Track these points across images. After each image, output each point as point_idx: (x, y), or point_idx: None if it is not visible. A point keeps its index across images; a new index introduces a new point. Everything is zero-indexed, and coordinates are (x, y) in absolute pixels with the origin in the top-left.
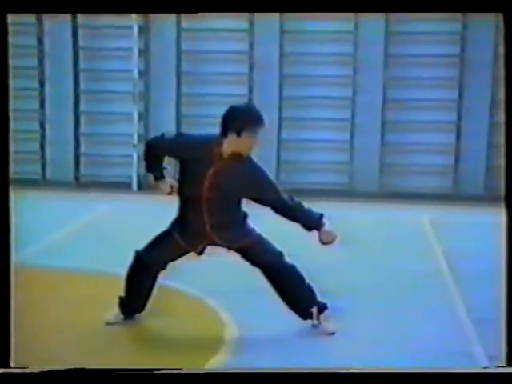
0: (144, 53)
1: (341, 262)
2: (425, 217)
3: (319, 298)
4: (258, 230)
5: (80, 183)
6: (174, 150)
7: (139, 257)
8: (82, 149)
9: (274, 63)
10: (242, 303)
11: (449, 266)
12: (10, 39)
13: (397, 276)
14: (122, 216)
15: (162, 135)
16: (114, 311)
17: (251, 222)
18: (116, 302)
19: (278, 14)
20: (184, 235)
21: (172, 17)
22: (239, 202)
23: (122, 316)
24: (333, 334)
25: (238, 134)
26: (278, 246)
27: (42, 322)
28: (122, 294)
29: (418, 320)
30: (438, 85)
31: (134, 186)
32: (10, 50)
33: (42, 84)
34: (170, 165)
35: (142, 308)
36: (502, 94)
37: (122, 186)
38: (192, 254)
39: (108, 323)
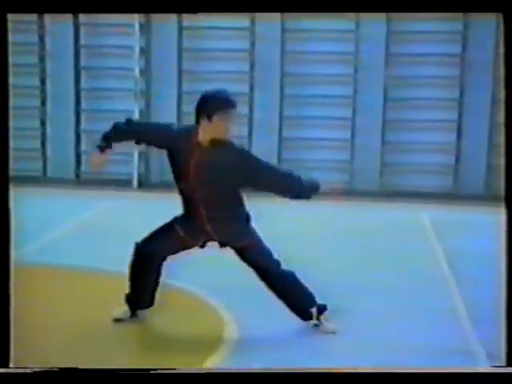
0: (145, 51)
1: (340, 261)
2: (425, 216)
3: (318, 300)
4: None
5: (81, 180)
6: (146, 135)
7: (139, 248)
8: (83, 146)
9: (275, 62)
10: (243, 302)
11: (449, 265)
12: (11, 37)
13: (397, 275)
14: (122, 213)
15: (130, 120)
16: (121, 308)
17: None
18: (117, 299)
19: (279, 13)
20: (185, 227)
21: (173, 15)
22: (240, 199)
23: (129, 312)
24: (333, 333)
25: (209, 119)
26: (279, 247)
27: (42, 322)
28: (127, 290)
29: (418, 319)
30: (438, 84)
31: (135, 183)
32: (11, 48)
33: (43, 82)
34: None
35: (150, 302)
36: (502, 94)
37: (123, 183)
38: (194, 251)
39: (116, 320)
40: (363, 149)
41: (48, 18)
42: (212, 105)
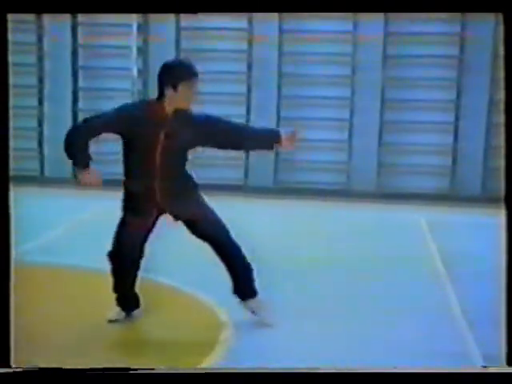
0: (143, 51)
1: (337, 261)
2: (422, 217)
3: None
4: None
5: (78, 180)
6: (114, 124)
7: (110, 256)
8: None
9: (273, 62)
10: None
11: (445, 266)
12: (10, 36)
13: (393, 276)
14: (119, 213)
15: (85, 119)
16: (114, 309)
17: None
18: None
19: (277, 14)
20: (135, 212)
21: (171, 15)
22: (186, 167)
23: (123, 313)
24: (269, 326)
25: (175, 88)
26: (276, 247)
27: (42, 322)
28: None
29: (414, 320)
30: (436, 85)
31: None
32: (10, 47)
33: (40, 81)
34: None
35: (136, 301)
36: (500, 95)
37: (120, 183)
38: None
39: (110, 321)
40: (360, 150)
41: (46, 18)
42: (176, 74)
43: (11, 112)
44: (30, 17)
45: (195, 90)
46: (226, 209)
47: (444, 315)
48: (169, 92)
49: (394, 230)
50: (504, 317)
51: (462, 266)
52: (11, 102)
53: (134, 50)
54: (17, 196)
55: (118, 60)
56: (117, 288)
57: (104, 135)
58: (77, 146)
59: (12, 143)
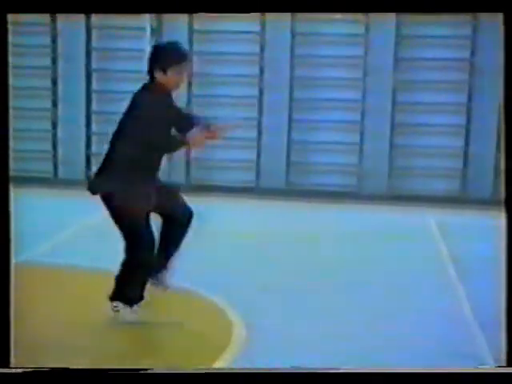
0: None
1: (348, 263)
2: (432, 220)
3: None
4: None
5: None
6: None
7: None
8: (94, 148)
9: (285, 65)
10: (250, 302)
11: (455, 269)
12: (25, 39)
13: (404, 278)
14: None
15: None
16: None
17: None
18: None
19: (289, 17)
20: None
21: (184, 18)
22: None
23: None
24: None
25: (165, 72)
26: (287, 249)
27: (42, 322)
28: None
29: (423, 322)
30: (447, 88)
31: None
32: (24, 50)
33: (54, 83)
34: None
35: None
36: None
37: None
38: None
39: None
40: (371, 152)
41: (60, 21)
42: (166, 58)
43: (24, 114)
44: (45, 19)
45: (186, 74)
46: (238, 210)
47: (455, 317)
48: (159, 75)
49: (405, 233)
50: (504, 317)
51: (472, 268)
52: (25, 104)
53: (148, 52)
54: (30, 197)
55: (132, 62)
56: (136, 281)
57: None
58: None
59: (25, 145)
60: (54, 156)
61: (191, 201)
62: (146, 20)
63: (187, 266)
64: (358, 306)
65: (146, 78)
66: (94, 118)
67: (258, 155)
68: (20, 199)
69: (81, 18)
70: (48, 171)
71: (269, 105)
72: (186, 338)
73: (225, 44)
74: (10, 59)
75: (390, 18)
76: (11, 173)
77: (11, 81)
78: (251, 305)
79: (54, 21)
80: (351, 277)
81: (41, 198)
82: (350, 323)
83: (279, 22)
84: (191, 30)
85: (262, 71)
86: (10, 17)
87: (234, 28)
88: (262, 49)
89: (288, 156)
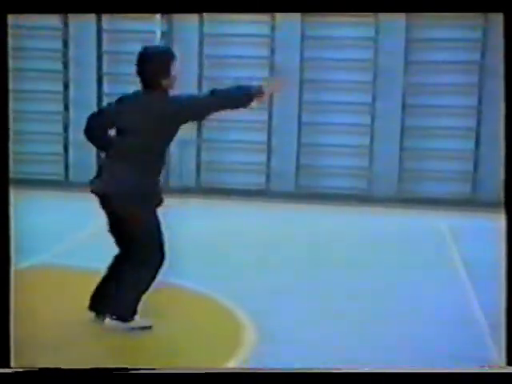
0: None
1: (358, 266)
2: (443, 222)
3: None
4: None
5: None
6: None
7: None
8: None
9: (295, 68)
10: (260, 304)
11: (467, 272)
12: (37, 43)
13: (415, 281)
14: None
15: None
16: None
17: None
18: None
19: (299, 20)
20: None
21: (194, 21)
22: None
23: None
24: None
25: (169, 75)
26: (297, 252)
27: (42, 322)
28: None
29: (436, 326)
30: (457, 91)
31: None
32: (36, 54)
33: (66, 87)
34: None
35: None
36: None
37: None
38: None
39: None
40: (382, 155)
41: (72, 24)
42: (167, 62)
43: (36, 117)
44: (57, 23)
45: (177, 72)
46: (247, 213)
47: (466, 321)
48: (166, 82)
49: (416, 236)
50: (504, 317)
51: (483, 271)
52: (38, 107)
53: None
54: (41, 199)
55: None
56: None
57: None
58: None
59: (37, 148)
60: (66, 159)
61: (202, 203)
62: (156, 23)
63: (198, 268)
64: (367, 309)
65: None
66: None
67: (268, 158)
68: (31, 201)
69: (92, 21)
70: (59, 174)
71: (279, 108)
72: (196, 341)
73: (235, 47)
74: (23, 63)
75: (399, 21)
76: (22, 175)
77: (24, 85)
78: (261, 307)
79: (65, 25)
80: (361, 280)
81: (52, 200)
82: (361, 326)
83: (289, 25)
84: (201, 33)
85: (271, 74)
86: (22, 20)
87: (244, 31)
88: (273, 52)
89: (298, 159)
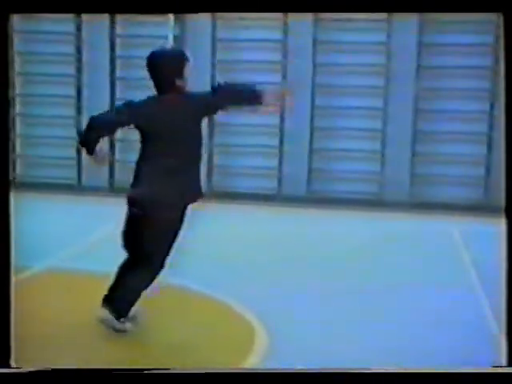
0: None
1: (370, 271)
2: (455, 228)
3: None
4: None
5: (114, 188)
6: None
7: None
8: (117, 155)
9: (307, 73)
10: (272, 309)
11: (479, 277)
12: (50, 48)
13: (426, 286)
14: None
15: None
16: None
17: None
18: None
19: (311, 25)
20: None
21: (207, 26)
22: None
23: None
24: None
25: (182, 76)
26: (309, 257)
27: (42, 322)
28: None
29: (448, 331)
30: (469, 96)
31: None
32: (50, 58)
33: (79, 91)
34: None
35: None
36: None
37: None
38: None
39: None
40: (393, 160)
41: (85, 29)
42: (181, 62)
43: (49, 121)
44: (70, 28)
45: (189, 74)
46: (259, 218)
47: (479, 326)
48: (179, 81)
49: (427, 241)
50: (504, 317)
51: (494, 276)
52: (51, 111)
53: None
54: (54, 203)
55: None
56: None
57: None
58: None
59: (51, 152)
60: (79, 163)
61: (214, 207)
62: (168, 28)
63: (209, 273)
64: (379, 313)
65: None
66: None
67: (280, 162)
68: (43, 205)
69: (105, 26)
70: (72, 178)
71: (290, 112)
72: (207, 344)
73: (247, 52)
74: (36, 67)
75: (411, 26)
76: (35, 179)
77: (37, 89)
78: (272, 310)
79: (79, 29)
80: (373, 284)
81: (65, 204)
82: (372, 329)
83: (301, 30)
84: (214, 38)
85: (284, 78)
86: (36, 25)
87: (257, 36)
88: (285, 57)
89: (310, 163)
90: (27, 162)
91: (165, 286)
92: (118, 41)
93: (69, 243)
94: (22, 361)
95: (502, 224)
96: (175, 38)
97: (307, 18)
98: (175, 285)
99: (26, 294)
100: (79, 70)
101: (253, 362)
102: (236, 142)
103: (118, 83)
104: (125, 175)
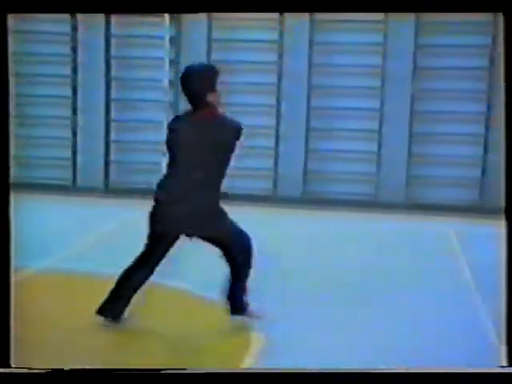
0: (174, 63)
1: (365, 272)
2: (450, 228)
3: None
4: None
5: (109, 189)
6: None
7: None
8: (112, 156)
9: (303, 74)
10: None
11: (473, 278)
12: (45, 48)
13: (422, 287)
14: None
15: None
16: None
17: None
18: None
19: (307, 25)
20: None
21: (203, 27)
22: None
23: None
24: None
25: (214, 90)
26: (304, 258)
27: (42, 322)
28: None
29: (443, 333)
30: (466, 97)
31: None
32: (45, 59)
33: (74, 92)
34: None
35: None
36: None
37: (151, 192)
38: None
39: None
40: (389, 161)
41: (81, 29)
42: (212, 76)
43: (45, 122)
44: (66, 29)
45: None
46: (255, 219)
47: (474, 327)
48: (211, 96)
49: (423, 242)
50: (504, 317)
51: (490, 277)
52: (47, 112)
53: (166, 61)
54: (49, 204)
55: (150, 71)
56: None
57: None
58: None
59: (46, 152)
60: (74, 164)
61: None
62: (164, 29)
63: (203, 273)
64: (373, 315)
65: (158, 86)
66: (112, 126)
67: (276, 163)
68: (38, 206)
69: (100, 26)
70: (67, 179)
71: (286, 113)
72: (203, 346)
73: (243, 52)
74: (31, 68)
75: (408, 27)
76: (30, 180)
77: (31, 89)
78: (267, 313)
79: (74, 29)
80: (367, 286)
81: (59, 205)
82: (367, 332)
83: (297, 31)
84: (210, 39)
85: (279, 80)
86: (31, 26)
87: (253, 37)
88: (280, 57)
89: (305, 164)
90: (22, 162)
91: (162, 287)
92: (113, 41)
93: (62, 244)
94: (21, 361)
95: (497, 225)
96: (171, 38)
97: (303, 18)
98: (173, 286)
99: (26, 294)
100: (74, 70)
101: (249, 362)
102: None
103: (113, 83)
104: (120, 176)
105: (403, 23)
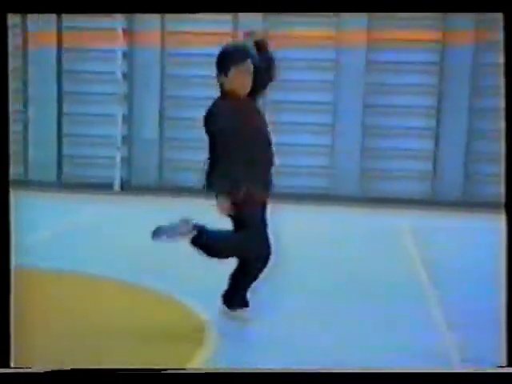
0: (127, 76)
1: (318, 266)
2: (405, 221)
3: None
4: None
5: (63, 184)
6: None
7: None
8: (65, 149)
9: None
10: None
11: (426, 271)
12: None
13: (374, 280)
14: (104, 217)
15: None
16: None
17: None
18: (105, 302)
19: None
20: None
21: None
22: None
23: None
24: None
25: (226, 74)
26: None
27: (42, 322)
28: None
29: (394, 326)
30: (417, 91)
31: (117, 187)
32: None
33: (25, 85)
34: None
35: None
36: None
37: (105, 186)
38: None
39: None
40: (343, 154)
41: (31, 21)
42: (226, 59)
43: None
44: (16, 21)
45: (249, 74)
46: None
47: (424, 320)
48: (222, 79)
49: (376, 234)
50: (504, 317)
51: (443, 270)
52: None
53: (120, 54)
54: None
55: (103, 64)
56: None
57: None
58: None
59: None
60: (25, 158)
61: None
62: (117, 20)
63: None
64: (328, 309)
65: (116, 79)
66: (65, 118)
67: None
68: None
69: (52, 19)
70: (19, 173)
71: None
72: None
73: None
74: None
75: (362, 23)
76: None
77: None
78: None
79: (24, 22)
80: (319, 280)
81: (12, 200)
82: (328, 327)
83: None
84: (163, 31)
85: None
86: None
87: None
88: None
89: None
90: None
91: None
92: (65, 33)
93: (17, 240)
94: (21, 361)
95: (448, 217)
96: (124, 52)
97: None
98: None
99: (26, 294)
100: (25, 64)
101: (201, 357)
102: None
103: (64, 76)
104: (74, 170)
105: (356, 20)
